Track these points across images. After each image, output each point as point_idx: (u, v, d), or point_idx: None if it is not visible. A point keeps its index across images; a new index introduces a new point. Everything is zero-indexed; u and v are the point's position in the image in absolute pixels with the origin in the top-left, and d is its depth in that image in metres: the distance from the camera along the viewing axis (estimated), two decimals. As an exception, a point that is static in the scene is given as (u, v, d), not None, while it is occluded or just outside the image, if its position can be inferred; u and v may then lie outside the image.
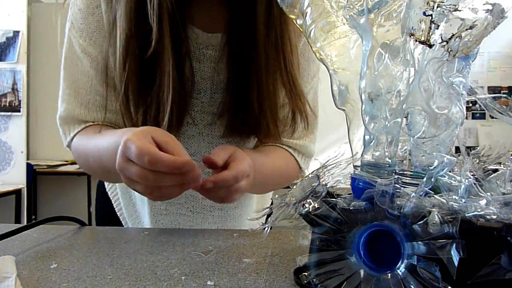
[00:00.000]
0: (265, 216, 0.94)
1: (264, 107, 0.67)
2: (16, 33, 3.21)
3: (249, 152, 0.64)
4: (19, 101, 3.20)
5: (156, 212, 0.78)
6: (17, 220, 3.22)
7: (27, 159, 3.33)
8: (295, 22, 0.41)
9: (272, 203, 1.00)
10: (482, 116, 3.58)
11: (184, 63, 0.67)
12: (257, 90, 0.66)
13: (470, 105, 3.49)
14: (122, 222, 0.85)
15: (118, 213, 0.85)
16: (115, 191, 0.86)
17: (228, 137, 0.72)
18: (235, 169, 0.55)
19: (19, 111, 3.20)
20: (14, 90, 3.20)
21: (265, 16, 0.64)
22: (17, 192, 3.18)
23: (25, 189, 3.24)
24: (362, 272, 0.35)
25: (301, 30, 0.41)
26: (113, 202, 0.86)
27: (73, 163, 3.55)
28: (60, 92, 0.73)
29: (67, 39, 0.71)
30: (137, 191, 0.53)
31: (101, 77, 0.68)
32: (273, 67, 0.66)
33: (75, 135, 0.70)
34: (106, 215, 0.87)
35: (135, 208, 0.83)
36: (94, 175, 0.78)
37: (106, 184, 0.87)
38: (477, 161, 0.40)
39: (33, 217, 3.49)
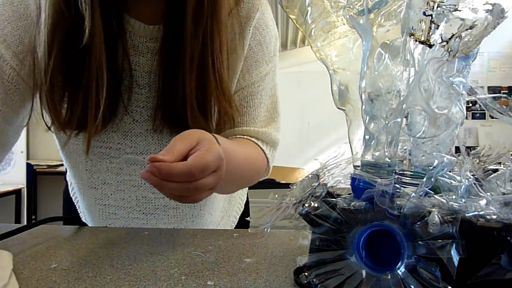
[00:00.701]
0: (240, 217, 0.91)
1: (187, 103, 0.64)
2: (16, 33, 3.21)
3: (221, 140, 0.56)
4: (19, 101, 3.19)
5: (106, 216, 0.75)
6: (17, 220, 3.22)
7: (27, 159, 3.33)
8: (295, 22, 0.41)
9: (246, 202, 0.97)
10: (482, 116, 3.58)
11: (119, 56, 0.64)
12: (182, 85, 0.64)
13: (470, 105, 3.49)
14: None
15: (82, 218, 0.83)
16: (75, 195, 0.83)
17: (160, 132, 0.69)
18: (192, 162, 0.46)
19: (19, 111, 3.19)
20: (14, 90, 3.19)
21: (193, 12, 0.62)
22: (17, 192, 3.18)
23: (25, 189, 3.25)
24: (362, 272, 0.35)
25: (301, 30, 0.41)
26: (76, 205, 0.83)
27: (73, 163, 3.55)
28: None
29: None
30: None
31: None
32: (200, 64, 0.64)
33: None
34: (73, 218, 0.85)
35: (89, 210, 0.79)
36: None
37: (69, 188, 0.85)
38: (477, 161, 0.40)
39: (33, 217, 3.49)
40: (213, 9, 0.64)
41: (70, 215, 0.85)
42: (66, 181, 0.88)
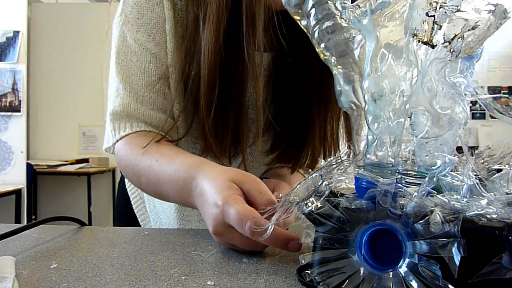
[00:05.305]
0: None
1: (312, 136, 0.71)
2: (16, 33, 3.21)
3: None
4: (19, 101, 3.20)
5: (180, 217, 0.77)
6: (17, 220, 3.22)
7: (27, 159, 3.33)
8: (300, 23, 0.41)
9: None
10: (482, 116, 3.58)
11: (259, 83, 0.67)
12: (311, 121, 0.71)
13: (470, 105, 3.50)
14: (141, 223, 0.84)
15: (137, 214, 0.84)
16: (134, 190, 0.85)
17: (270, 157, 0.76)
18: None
19: (19, 111, 3.20)
20: (14, 90, 3.20)
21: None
22: (17, 192, 3.18)
23: (25, 189, 3.24)
24: (364, 270, 0.35)
25: (306, 30, 0.41)
26: (132, 201, 0.85)
27: (73, 163, 3.56)
28: (111, 88, 0.70)
29: (119, 33, 0.68)
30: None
31: (163, 77, 0.67)
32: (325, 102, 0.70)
33: (126, 135, 0.67)
34: (125, 214, 0.86)
35: (156, 211, 0.82)
36: (143, 191, 0.77)
37: (126, 182, 0.87)
38: (482, 161, 0.40)
39: (33, 217, 3.50)
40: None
41: (123, 212, 0.88)
42: (122, 178, 0.91)
